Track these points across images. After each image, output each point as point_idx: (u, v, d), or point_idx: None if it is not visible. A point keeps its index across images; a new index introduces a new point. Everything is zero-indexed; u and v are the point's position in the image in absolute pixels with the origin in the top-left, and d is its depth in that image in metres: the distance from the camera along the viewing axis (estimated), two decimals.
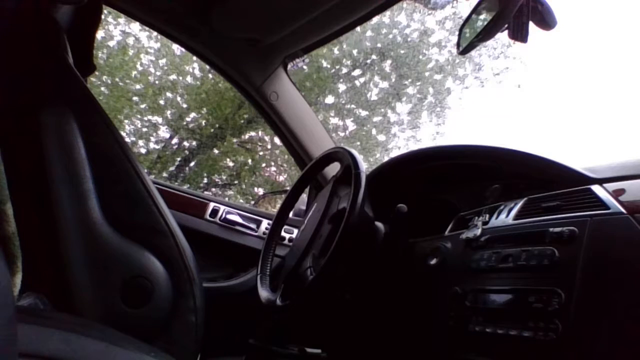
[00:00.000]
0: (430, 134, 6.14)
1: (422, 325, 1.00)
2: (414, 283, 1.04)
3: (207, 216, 1.53)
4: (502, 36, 0.86)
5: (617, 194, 0.69)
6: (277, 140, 5.42)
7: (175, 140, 6.12)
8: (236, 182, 6.13)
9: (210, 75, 5.83)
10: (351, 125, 6.10)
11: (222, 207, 1.54)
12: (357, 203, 0.91)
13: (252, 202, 4.96)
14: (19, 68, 0.95)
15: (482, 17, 0.92)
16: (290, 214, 1.35)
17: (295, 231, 1.50)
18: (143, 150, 5.98)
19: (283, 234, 1.51)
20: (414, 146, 6.33)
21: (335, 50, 5.75)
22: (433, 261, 0.96)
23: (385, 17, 5.59)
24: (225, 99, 5.76)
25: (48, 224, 0.93)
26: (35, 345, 0.47)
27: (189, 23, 1.38)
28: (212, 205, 1.54)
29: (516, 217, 0.83)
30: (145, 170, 1.11)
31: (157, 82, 5.89)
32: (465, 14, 0.97)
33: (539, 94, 6.34)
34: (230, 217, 1.54)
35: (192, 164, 6.02)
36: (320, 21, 1.30)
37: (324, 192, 1.14)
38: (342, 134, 6.01)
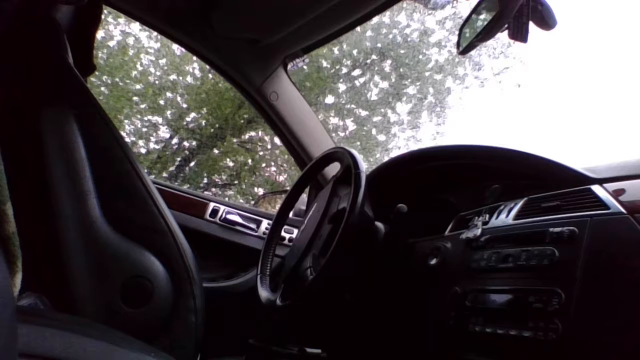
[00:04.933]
0: (430, 134, 6.15)
1: (422, 325, 1.00)
2: (414, 283, 1.04)
3: (207, 216, 1.53)
4: (502, 36, 0.86)
5: (617, 194, 0.69)
6: (277, 140, 5.42)
7: (175, 140, 6.12)
8: (236, 182, 6.13)
9: (210, 75, 5.83)
10: (351, 125, 6.10)
11: (222, 207, 1.54)
12: (357, 203, 0.91)
13: (252, 202, 4.97)
14: (19, 68, 0.95)
15: (482, 17, 0.92)
16: (290, 214, 1.35)
17: (295, 231, 1.50)
18: (143, 150, 5.98)
19: (283, 234, 1.51)
20: (414, 146, 6.34)
21: (335, 50, 5.75)
22: (433, 261, 0.96)
23: (385, 17, 5.59)
24: (225, 99, 5.76)
25: (48, 224, 0.93)
26: (35, 345, 0.47)
27: (189, 23, 1.38)
28: (212, 205, 1.54)
29: (516, 217, 0.83)
30: (145, 170, 1.11)
31: (157, 82, 5.89)
32: (465, 14, 0.97)
33: (539, 93, 6.35)
34: (230, 217, 1.54)
35: (192, 164, 6.02)
36: (320, 21, 1.30)
37: (324, 192, 1.14)
38: (342, 134, 6.01)
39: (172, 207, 1.17)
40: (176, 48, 5.58)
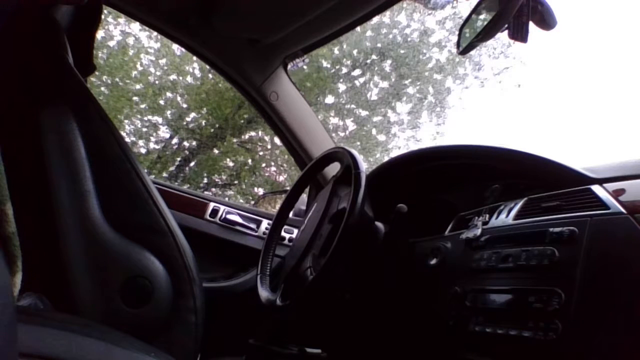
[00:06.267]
0: (430, 134, 6.15)
1: (422, 325, 1.00)
2: (414, 283, 1.04)
3: (207, 216, 1.53)
4: (502, 36, 0.86)
5: (617, 194, 0.69)
6: (277, 140, 5.41)
7: (175, 140, 6.12)
8: (236, 182, 6.13)
9: (210, 75, 5.83)
10: (351, 125, 6.11)
11: (222, 207, 1.54)
12: (357, 203, 0.91)
13: (252, 202, 4.97)
14: (19, 68, 0.95)
15: (482, 17, 0.92)
16: (290, 214, 1.35)
17: (295, 231, 1.50)
18: (143, 150, 5.98)
19: (283, 234, 1.51)
20: (414, 146, 6.34)
21: (335, 50, 5.75)
22: (433, 261, 0.96)
23: (385, 17, 5.59)
24: (225, 99, 5.76)
25: (48, 224, 0.93)
26: (35, 345, 0.47)
27: (189, 23, 1.38)
28: (212, 205, 1.54)
29: (516, 217, 0.83)
30: (145, 170, 1.11)
31: (157, 82, 5.89)
32: (465, 14, 0.97)
33: (539, 93, 6.35)
34: (230, 217, 1.54)
35: (192, 164, 6.02)
36: (320, 21, 1.30)
37: (324, 192, 1.14)
38: (342, 134, 6.01)
39: (172, 207, 1.17)
40: (176, 48, 5.58)
